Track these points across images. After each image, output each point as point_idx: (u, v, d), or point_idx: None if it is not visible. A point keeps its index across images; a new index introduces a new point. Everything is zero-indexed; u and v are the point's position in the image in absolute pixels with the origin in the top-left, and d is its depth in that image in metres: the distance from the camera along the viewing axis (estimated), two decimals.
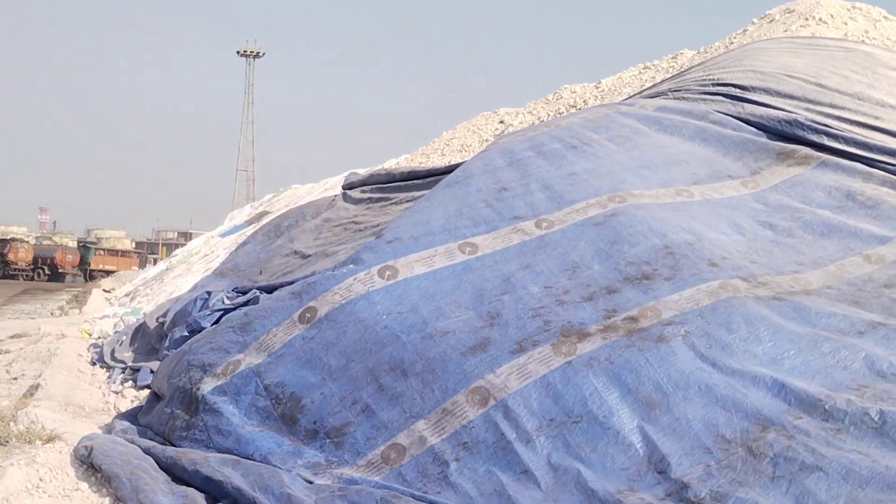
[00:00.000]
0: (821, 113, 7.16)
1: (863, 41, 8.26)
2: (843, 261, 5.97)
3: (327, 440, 5.05)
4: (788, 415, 4.94)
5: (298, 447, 5.03)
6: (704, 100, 7.73)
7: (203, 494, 4.41)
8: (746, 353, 5.26)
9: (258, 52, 77.03)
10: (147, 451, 4.96)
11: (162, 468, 4.79)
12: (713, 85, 7.91)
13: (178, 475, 4.69)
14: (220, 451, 5.05)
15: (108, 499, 4.33)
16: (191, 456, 4.76)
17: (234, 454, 4.99)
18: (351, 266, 6.01)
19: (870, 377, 5.10)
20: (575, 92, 13.26)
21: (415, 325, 5.57)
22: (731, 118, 7.36)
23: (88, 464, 4.70)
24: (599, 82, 12.83)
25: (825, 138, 6.93)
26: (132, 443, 5.18)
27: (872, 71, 7.63)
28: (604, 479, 4.62)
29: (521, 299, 5.66)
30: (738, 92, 7.63)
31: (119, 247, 63.92)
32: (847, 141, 6.88)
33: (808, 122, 7.05)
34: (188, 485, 4.55)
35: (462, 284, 5.85)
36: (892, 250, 6.04)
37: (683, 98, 7.92)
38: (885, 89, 7.38)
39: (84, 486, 4.47)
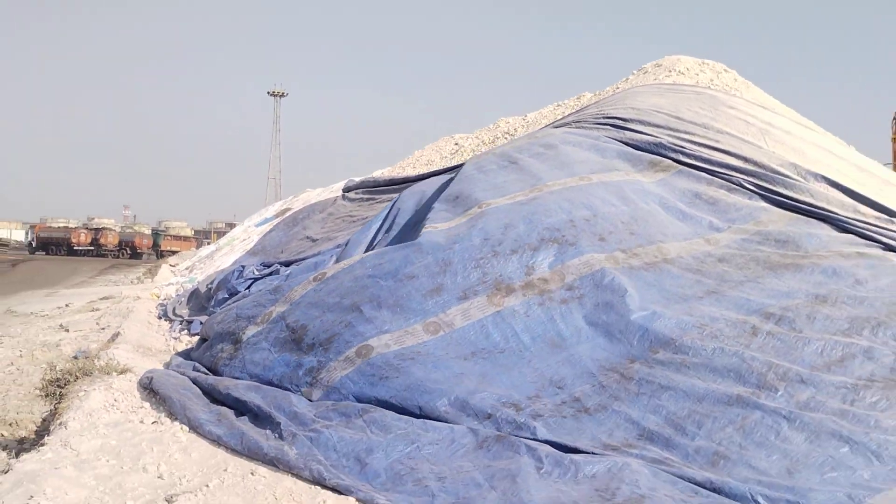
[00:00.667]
0: (678, 138, 7.19)
1: (709, 87, 8.31)
2: (691, 241, 6.02)
3: (320, 348, 5.10)
4: (650, 350, 5.02)
5: (301, 358, 5.07)
6: (597, 128, 7.74)
7: (232, 411, 4.39)
8: (622, 306, 5.32)
9: (283, 93, 76.95)
10: (193, 381, 4.92)
11: (203, 392, 4.77)
12: (604, 118, 7.92)
13: (215, 397, 4.66)
14: (251, 376, 5.07)
15: (163, 413, 4.30)
16: (225, 383, 4.73)
17: (259, 379, 5.00)
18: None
19: (708, 321, 5.17)
20: (508, 122, 13.24)
21: (390, 271, 5.58)
22: (615, 140, 7.39)
23: (150, 389, 4.66)
24: (525, 115, 12.81)
25: (681, 156, 6.97)
26: (182, 374, 5.14)
27: (715, 108, 7.68)
28: (519, 388, 4.71)
29: (467, 249, 5.69)
30: (621, 123, 7.64)
31: (182, 234, 63.63)
32: (696, 157, 6.93)
33: (669, 144, 7.09)
34: (223, 404, 4.53)
35: (424, 246, 5.86)
36: (725, 236, 6.10)
37: (582, 127, 7.93)
38: (723, 121, 7.43)
39: (147, 405, 4.45)
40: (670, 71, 8.69)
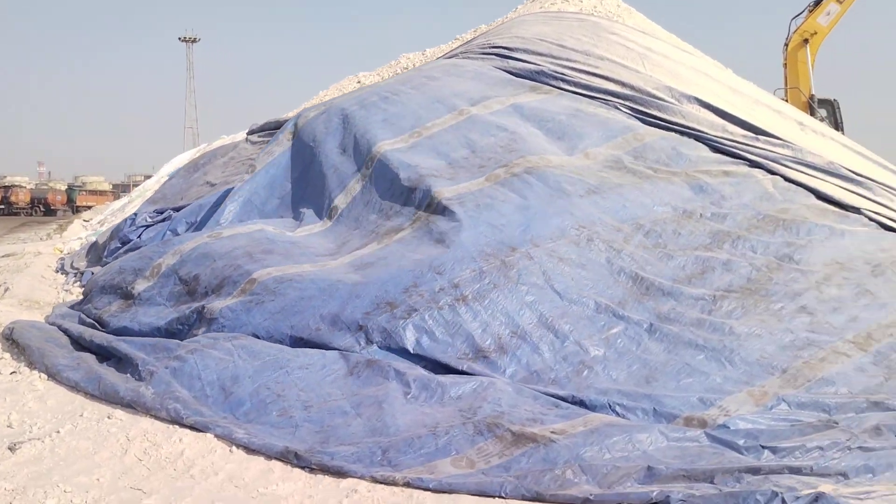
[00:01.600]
0: (560, 65, 7.17)
1: (592, 14, 8.29)
2: (571, 156, 6.06)
3: (211, 294, 5.06)
4: (531, 243, 5.05)
5: (193, 305, 4.97)
6: (482, 58, 7.65)
7: (96, 357, 4.25)
8: (505, 204, 5.36)
9: (195, 38, 73.83)
10: (63, 329, 4.75)
11: (73, 342, 4.61)
12: (490, 47, 7.83)
13: (83, 345, 4.51)
14: (144, 328, 4.91)
15: (23, 363, 4.14)
16: (90, 332, 4.59)
17: (154, 330, 4.86)
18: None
19: (586, 221, 5.24)
20: (409, 58, 12.94)
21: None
22: (499, 69, 7.32)
23: (11, 340, 4.47)
24: (425, 51, 12.54)
25: (561, 83, 6.97)
26: (53, 325, 4.95)
27: (596, 35, 7.67)
28: (397, 279, 4.76)
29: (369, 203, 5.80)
30: (506, 52, 7.57)
31: (99, 188, 61.27)
32: (576, 84, 6.94)
33: (551, 72, 7.07)
34: (88, 352, 4.39)
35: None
36: (602, 150, 6.15)
37: (468, 57, 7.83)
38: (604, 47, 7.43)
39: (7, 356, 4.27)
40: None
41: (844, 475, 3.45)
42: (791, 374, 4.29)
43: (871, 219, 5.75)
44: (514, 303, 4.64)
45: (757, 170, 6.08)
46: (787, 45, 18.57)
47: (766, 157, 6.14)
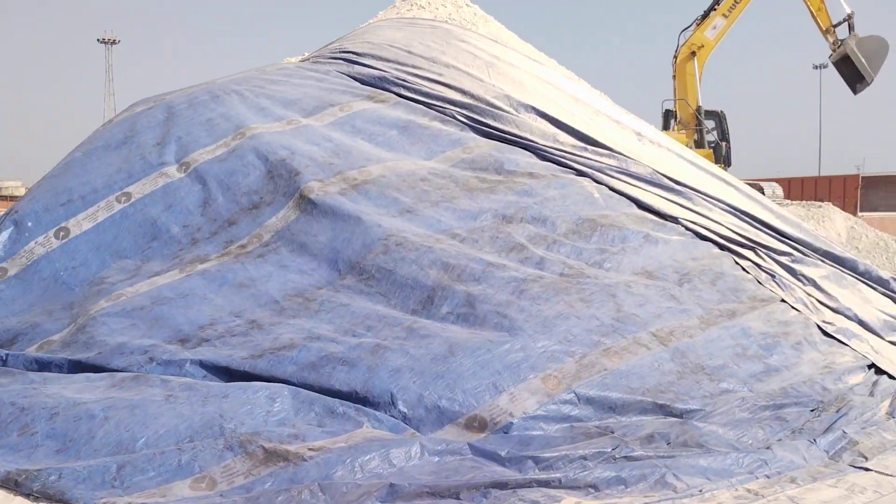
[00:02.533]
0: (404, 71, 7.11)
1: (446, 21, 8.26)
2: (397, 162, 6.00)
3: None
4: (338, 276, 5.00)
5: None
6: (331, 62, 7.53)
7: None
8: (313, 240, 5.27)
9: (115, 40, 71.76)
10: None
11: None
12: (339, 52, 7.72)
13: None
14: None
15: None
16: None
17: None
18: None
19: (393, 239, 5.18)
20: (291, 62, 12.71)
21: (85, 278, 5.23)
22: (343, 74, 7.22)
23: None
24: (305, 54, 12.37)
25: (402, 89, 6.91)
26: None
27: (446, 42, 7.63)
28: (193, 322, 4.61)
29: (166, 244, 5.45)
30: (353, 57, 7.47)
31: (14, 193, 58.49)
32: (417, 91, 6.89)
33: (393, 78, 7.00)
34: None
35: (121, 233, 5.49)
36: (430, 163, 6.10)
37: (318, 61, 7.69)
38: (452, 55, 7.40)
39: None
40: (413, 4, 8.56)
41: (595, 487, 3.45)
42: (589, 361, 4.32)
43: (687, 228, 5.86)
44: (313, 322, 4.59)
45: (584, 178, 6.13)
46: (675, 57, 19.13)
47: (592, 167, 6.21)
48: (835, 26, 17.99)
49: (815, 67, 57.32)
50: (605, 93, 8.20)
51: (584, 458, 3.66)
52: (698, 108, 18.86)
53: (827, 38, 18.08)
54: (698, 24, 18.85)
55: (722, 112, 19.44)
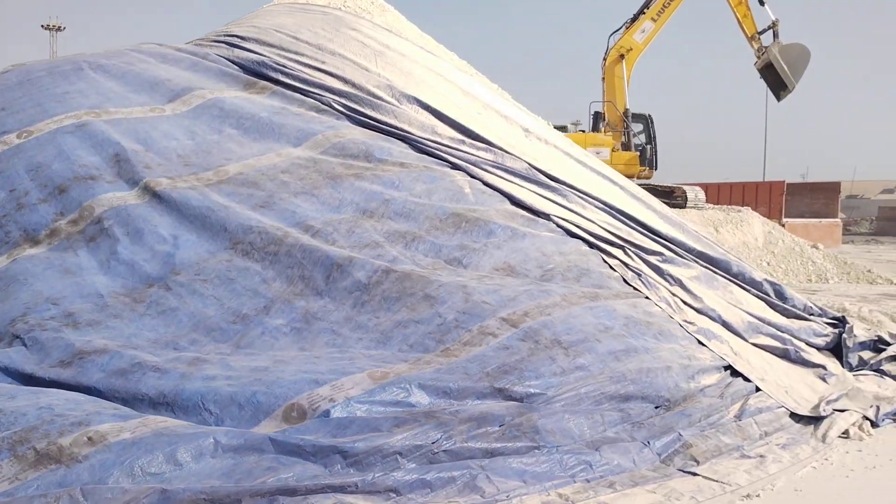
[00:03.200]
0: (286, 58, 6.87)
1: (340, 8, 8.04)
2: (261, 157, 5.76)
3: None
4: (172, 273, 4.76)
5: None
6: (212, 45, 7.25)
7: None
8: (152, 232, 5.00)
9: (60, 26, 69.45)
10: None
11: None
12: (224, 35, 7.44)
13: None
14: None
15: None
16: None
17: None
18: None
19: (243, 237, 4.96)
20: None
21: None
22: (222, 58, 6.95)
23: None
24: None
25: (281, 75, 6.67)
26: None
27: (336, 29, 7.42)
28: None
29: None
30: (236, 41, 7.19)
31: None
32: (296, 78, 6.65)
33: (272, 64, 6.75)
34: None
35: None
36: (298, 151, 5.88)
37: (200, 44, 7.38)
38: (340, 42, 7.19)
39: None
40: None
41: (396, 491, 3.27)
42: (425, 361, 4.15)
43: (558, 225, 5.74)
44: (135, 328, 4.33)
45: (458, 172, 5.96)
46: (605, 59, 19.20)
47: (467, 161, 6.06)
48: (760, 33, 18.26)
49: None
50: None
51: (400, 453, 3.49)
52: (625, 111, 18.96)
53: (752, 45, 18.35)
54: (627, 28, 18.95)
55: (650, 116, 19.59)
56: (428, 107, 6.57)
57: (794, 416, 4.85)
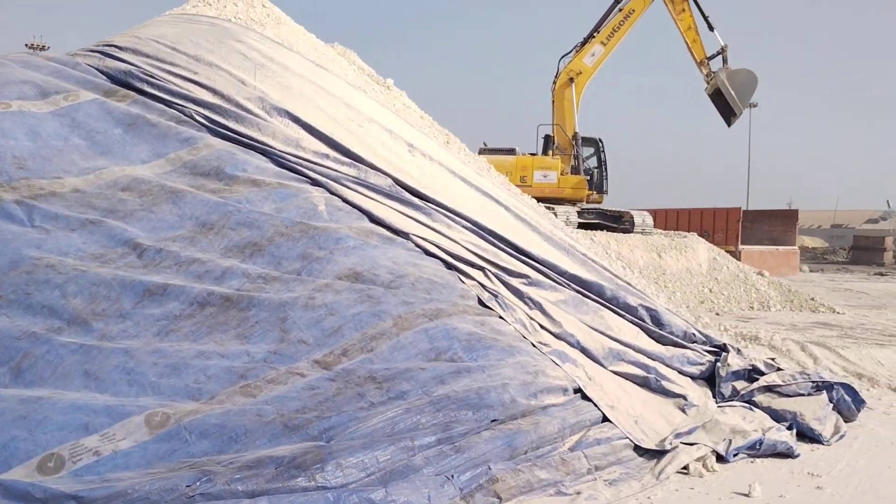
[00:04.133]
0: (157, 67, 6.63)
1: (230, 20, 7.83)
2: (103, 171, 5.49)
3: None
4: None
5: None
6: (86, 55, 6.98)
7: None
8: None
9: (44, 46, 69.16)
10: None
11: None
12: (103, 45, 7.19)
13: None
14: None
15: None
16: None
17: None
18: None
19: (59, 256, 4.68)
20: None
21: None
22: (92, 67, 6.69)
23: None
24: None
25: (147, 86, 6.43)
26: None
27: (220, 41, 7.20)
28: None
29: None
30: (112, 51, 6.95)
31: None
32: (161, 88, 6.41)
33: (140, 73, 6.51)
34: None
35: None
36: (147, 168, 5.62)
37: (76, 53, 7.13)
38: (221, 54, 6.97)
39: None
40: (201, 1, 8.10)
41: None
42: (219, 400, 3.87)
43: (416, 244, 5.50)
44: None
45: (317, 188, 5.73)
46: (555, 82, 19.14)
47: (328, 177, 5.83)
48: (709, 59, 18.27)
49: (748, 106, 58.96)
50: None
51: (147, 498, 3.20)
52: (575, 135, 18.86)
53: (701, 70, 18.36)
54: (577, 51, 18.92)
55: (600, 139, 19.50)
56: (298, 120, 6.35)
57: (638, 448, 4.61)
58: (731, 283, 15.90)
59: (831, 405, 5.59)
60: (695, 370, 5.86)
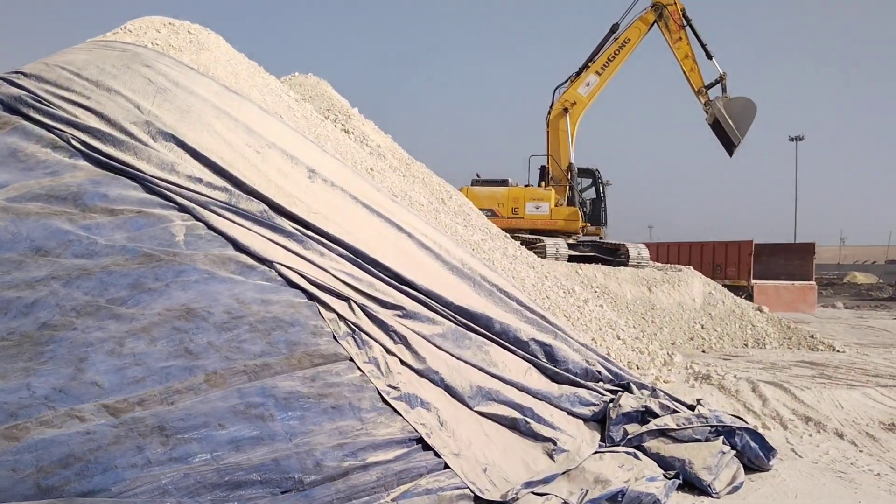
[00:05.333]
0: (51, 93, 6.47)
1: (147, 45, 7.69)
2: None
3: None
4: None
5: None
6: None
7: None
8: None
9: None
10: None
11: None
12: (12, 73, 7.07)
13: None
14: None
15: None
16: None
17: None
18: None
19: None
20: None
21: None
22: None
23: None
24: None
25: (32, 111, 6.25)
26: None
27: (128, 66, 7.03)
28: None
29: None
30: (16, 77, 6.82)
31: None
32: (45, 114, 6.23)
33: (29, 100, 6.35)
34: None
35: None
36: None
37: None
38: (124, 79, 6.81)
39: None
40: (122, 28, 8.01)
41: None
42: None
43: (280, 273, 5.17)
44: None
45: (182, 214, 5.46)
46: (549, 113, 18.84)
47: (197, 202, 5.55)
48: (707, 87, 17.80)
49: (791, 139, 58.27)
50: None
51: None
52: (569, 166, 18.46)
53: (699, 99, 17.89)
54: (572, 81, 18.61)
55: (597, 170, 19.06)
56: (183, 144, 6.11)
57: (480, 500, 4.16)
58: (725, 318, 15.21)
59: (732, 452, 5.06)
60: (587, 411, 5.38)
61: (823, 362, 11.71)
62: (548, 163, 18.89)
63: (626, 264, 17.09)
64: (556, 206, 17.99)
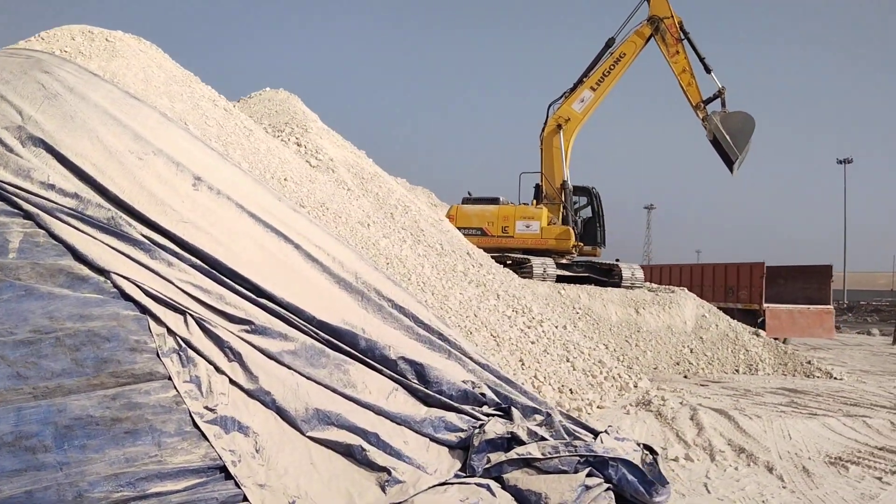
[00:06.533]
0: None
1: (57, 52, 7.46)
2: None
3: None
4: None
5: None
6: None
7: None
8: None
9: None
10: None
11: None
12: None
13: None
14: None
15: None
16: None
17: None
18: None
19: None
20: None
21: None
22: None
23: None
24: None
25: None
26: None
27: (25, 72, 6.78)
28: None
29: None
30: None
31: None
32: None
33: None
34: None
35: None
36: None
37: None
38: (16, 85, 6.55)
39: None
40: (37, 36, 7.79)
41: None
42: None
43: (115, 284, 4.79)
44: None
45: (25, 222, 5.11)
46: (543, 130, 18.36)
47: (42, 208, 5.20)
48: (706, 102, 17.17)
49: (840, 162, 57.18)
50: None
51: None
52: (563, 184, 17.90)
53: (697, 115, 17.25)
54: (566, 97, 18.12)
55: (594, 188, 18.47)
56: (52, 150, 5.80)
57: None
58: (717, 343, 14.42)
59: (603, 486, 4.47)
60: (452, 437, 4.84)
61: (806, 390, 10.90)
62: (541, 180, 18.36)
63: (618, 285, 16.45)
64: (548, 224, 17.44)
